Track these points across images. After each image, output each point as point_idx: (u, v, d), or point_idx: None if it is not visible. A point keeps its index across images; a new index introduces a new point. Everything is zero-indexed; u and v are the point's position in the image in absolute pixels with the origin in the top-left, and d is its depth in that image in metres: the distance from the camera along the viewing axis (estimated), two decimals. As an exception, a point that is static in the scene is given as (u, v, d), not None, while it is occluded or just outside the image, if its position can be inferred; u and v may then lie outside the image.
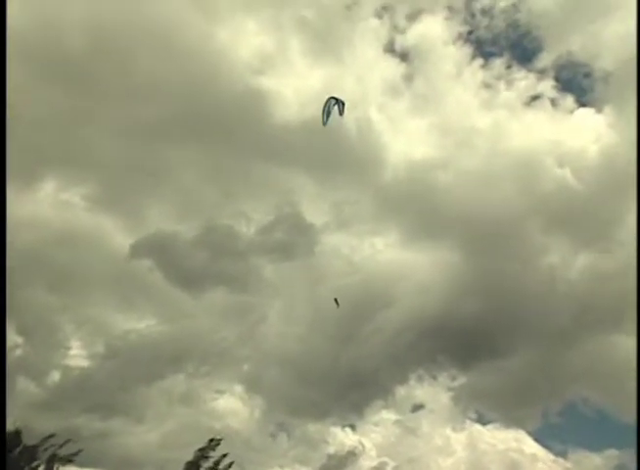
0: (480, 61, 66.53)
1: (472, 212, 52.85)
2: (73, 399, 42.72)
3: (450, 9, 66.01)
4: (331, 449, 45.80)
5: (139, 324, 51.04)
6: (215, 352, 50.01)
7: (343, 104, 23.11)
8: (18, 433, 20.85)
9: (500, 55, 69.51)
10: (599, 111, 63.56)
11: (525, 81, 64.70)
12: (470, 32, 66.15)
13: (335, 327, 49.05)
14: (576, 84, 69.96)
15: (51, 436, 21.65)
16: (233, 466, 21.97)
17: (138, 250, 51.74)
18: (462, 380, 52.39)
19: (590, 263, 52.69)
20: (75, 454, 21.68)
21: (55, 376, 45.04)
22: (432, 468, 47.03)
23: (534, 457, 46.63)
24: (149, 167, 57.25)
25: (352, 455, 44.52)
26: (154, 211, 57.56)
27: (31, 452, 21.13)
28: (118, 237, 54.46)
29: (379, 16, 64.90)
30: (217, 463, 21.67)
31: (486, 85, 65.10)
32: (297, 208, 55.75)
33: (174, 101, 54.38)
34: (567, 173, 55.23)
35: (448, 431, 50.14)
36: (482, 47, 75.57)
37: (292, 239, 54.23)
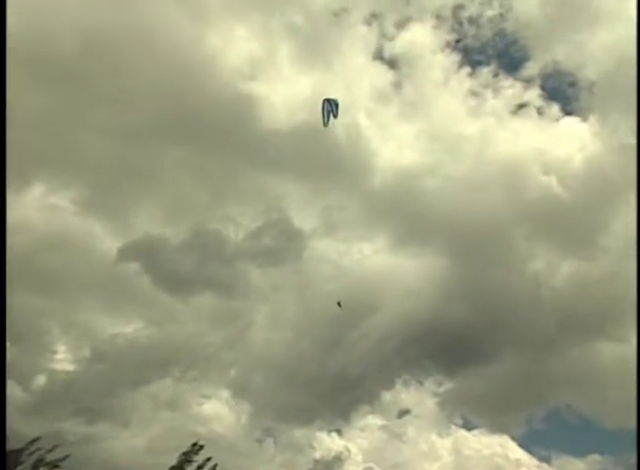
0: (467, 69, 67.97)
1: (459, 219, 53.45)
2: (59, 404, 42.41)
3: (438, 17, 67.17)
4: (317, 455, 45.70)
5: (126, 328, 50.62)
6: (202, 357, 49.83)
7: (337, 105, 23.54)
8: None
9: (487, 63, 71.07)
10: (584, 119, 64.83)
11: (511, 90, 66.05)
12: (457, 41, 67.45)
13: (322, 332, 49.32)
14: (562, 93, 71.59)
15: (36, 440, 21.72)
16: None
17: (125, 253, 51.62)
18: (448, 385, 53.02)
19: (575, 270, 53.43)
20: (62, 460, 21.76)
21: (41, 380, 44.51)
22: (417, 473, 47.36)
23: (519, 463, 47.06)
24: (137, 172, 57.32)
25: (338, 460, 44.54)
26: (141, 214, 57.43)
27: (16, 456, 21.17)
28: (106, 241, 54.17)
29: (368, 23, 65.93)
30: (201, 467, 21.88)
31: (474, 93, 66.19)
32: (286, 213, 56.19)
33: (163, 106, 54.57)
34: (552, 181, 56.06)
35: (434, 436, 50.56)
36: (470, 55, 77.37)
37: (280, 244, 54.62)
